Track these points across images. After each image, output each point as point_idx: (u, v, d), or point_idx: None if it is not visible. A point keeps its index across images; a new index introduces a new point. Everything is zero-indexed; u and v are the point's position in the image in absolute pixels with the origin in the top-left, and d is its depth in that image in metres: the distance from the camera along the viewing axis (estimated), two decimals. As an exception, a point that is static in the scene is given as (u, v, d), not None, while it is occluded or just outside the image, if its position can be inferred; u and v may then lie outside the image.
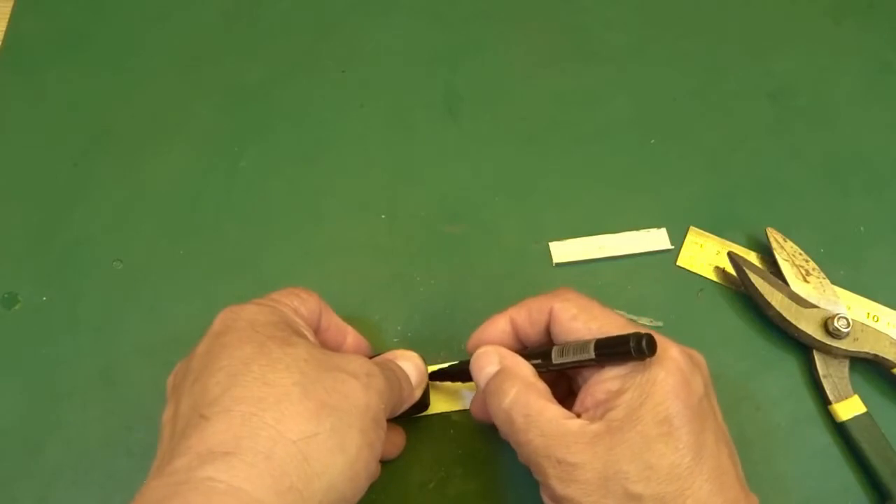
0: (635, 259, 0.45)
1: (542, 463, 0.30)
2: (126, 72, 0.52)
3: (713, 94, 0.51)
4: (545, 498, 0.31)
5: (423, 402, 0.39)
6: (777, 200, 0.47)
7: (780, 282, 0.43)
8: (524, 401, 0.32)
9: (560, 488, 0.29)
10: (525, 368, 0.33)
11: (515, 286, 0.44)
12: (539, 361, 0.34)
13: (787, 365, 0.43)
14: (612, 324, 0.32)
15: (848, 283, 0.44)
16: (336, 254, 0.45)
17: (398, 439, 0.39)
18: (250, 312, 0.32)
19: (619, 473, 0.29)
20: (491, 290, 0.44)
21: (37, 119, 0.50)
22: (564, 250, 0.45)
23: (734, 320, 0.44)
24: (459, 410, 0.41)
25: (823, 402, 0.41)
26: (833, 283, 0.43)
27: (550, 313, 0.34)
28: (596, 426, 0.30)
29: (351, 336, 0.38)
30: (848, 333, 0.41)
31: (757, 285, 0.42)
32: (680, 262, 0.45)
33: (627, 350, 0.29)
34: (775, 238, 0.44)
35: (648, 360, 0.30)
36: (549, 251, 0.45)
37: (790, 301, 0.42)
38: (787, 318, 0.41)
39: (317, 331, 0.36)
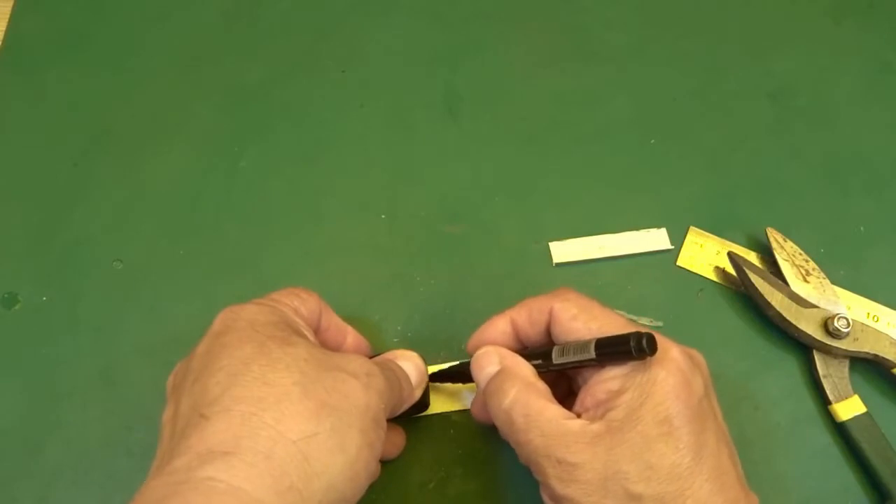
0: (635, 259, 0.45)
1: (542, 463, 0.30)
2: (126, 72, 0.52)
3: (713, 94, 0.51)
4: (545, 498, 0.31)
5: (423, 402, 0.39)
6: (777, 200, 0.47)
7: (780, 282, 0.43)
8: (524, 401, 0.32)
9: (560, 488, 0.29)
10: (525, 369, 0.33)
11: (515, 286, 0.44)
12: (539, 362, 0.34)
13: (787, 365, 0.43)
14: (612, 324, 0.32)
15: (848, 283, 0.44)
16: (336, 254, 0.45)
17: (398, 439, 0.39)
18: (250, 312, 0.32)
19: (620, 473, 0.29)
20: (491, 290, 0.44)
21: (37, 119, 0.50)
22: (564, 250, 0.45)
23: (734, 320, 0.44)
24: (459, 410, 0.41)
25: (823, 402, 0.41)
26: (833, 283, 0.43)
27: (550, 313, 0.34)
28: (596, 426, 0.30)
29: (351, 336, 0.38)
30: (848, 333, 0.41)
31: (757, 285, 0.42)
32: (680, 262, 0.45)
33: (628, 349, 0.29)
34: (775, 238, 0.44)
35: (649, 359, 0.30)
36: (549, 251, 0.45)
37: (790, 301, 0.42)
38: (787, 318, 0.41)
39: (317, 331, 0.36)
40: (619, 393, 0.30)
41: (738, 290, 0.44)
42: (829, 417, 0.41)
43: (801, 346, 0.42)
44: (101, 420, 0.41)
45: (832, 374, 0.41)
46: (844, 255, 0.45)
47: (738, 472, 0.31)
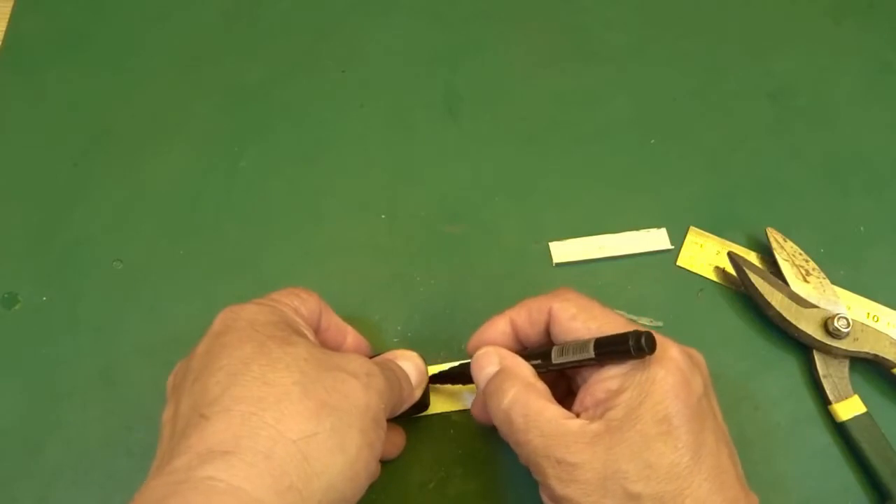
0: (635, 259, 0.45)
1: (541, 463, 0.30)
2: (126, 72, 0.52)
3: (713, 94, 0.51)
4: (544, 498, 0.31)
5: (423, 402, 0.39)
6: (777, 200, 0.47)
7: (780, 282, 0.43)
8: (523, 401, 0.32)
9: (559, 488, 0.29)
10: (524, 369, 0.33)
11: (515, 286, 0.44)
12: (539, 362, 0.34)
13: (787, 365, 0.43)
14: (611, 323, 0.32)
15: (848, 283, 0.44)
16: (336, 254, 0.45)
17: (398, 439, 0.39)
18: (250, 312, 0.32)
19: (619, 473, 0.29)
20: (491, 290, 0.44)
21: (37, 119, 0.50)
22: (564, 250, 0.45)
23: (734, 320, 0.44)
24: (459, 410, 0.41)
25: (823, 402, 0.41)
26: (833, 283, 0.43)
27: (550, 313, 0.34)
28: (595, 426, 0.30)
29: (351, 336, 0.38)
30: (848, 333, 0.41)
31: (757, 285, 0.42)
32: (680, 262, 0.45)
33: (627, 348, 0.29)
34: (775, 238, 0.44)
35: (648, 359, 0.30)
36: (549, 251, 0.45)
37: (790, 301, 0.42)
38: (787, 318, 0.41)
39: (317, 331, 0.36)
40: (618, 392, 0.30)
41: (738, 290, 0.44)
42: (829, 417, 0.41)
43: (801, 346, 0.42)
44: (101, 420, 0.41)
45: (832, 374, 0.41)
46: (844, 255, 0.45)
47: (737, 472, 0.31)
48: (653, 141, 0.49)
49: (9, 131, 0.49)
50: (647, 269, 0.45)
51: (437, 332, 0.43)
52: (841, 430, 0.40)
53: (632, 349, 0.29)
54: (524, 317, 0.35)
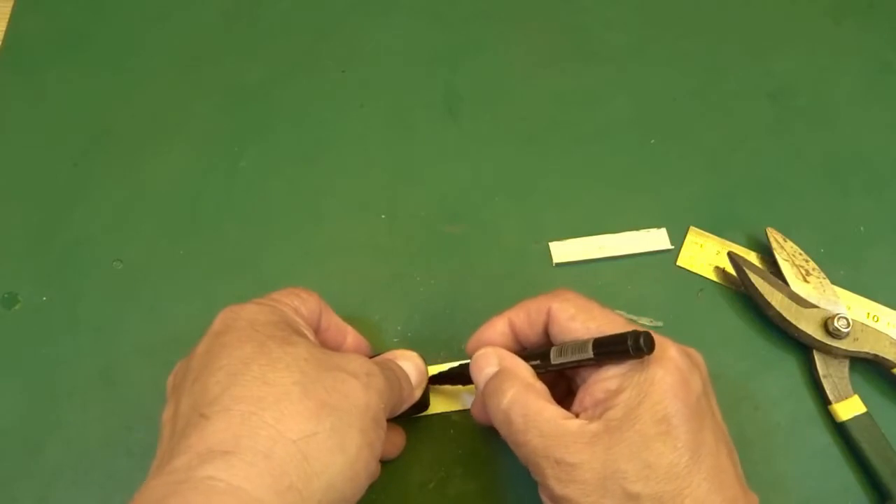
0: (635, 259, 0.45)
1: (540, 463, 0.30)
2: (126, 72, 0.52)
3: (713, 94, 0.51)
4: (544, 498, 0.31)
5: (423, 402, 0.39)
6: (777, 200, 0.47)
7: (780, 282, 0.43)
8: (522, 401, 0.32)
9: (559, 488, 0.29)
10: (524, 369, 0.33)
11: (515, 286, 0.44)
12: (538, 362, 0.34)
13: (787, 365, 0.43)
14: (610, 323, 0.32)
15: (848, 283, 0.44)
16: (336, 254, 0.45)
17: (398, 439, 0.39)
18: (250, 312, 0.32)
19: (618, 473, 0.29)
20: (491, 290, 0.44)
21: (37, 119, 0.50)
22: (564, 250, 0.45)
23: (734, 320, 0.44)
24: (459, 410, 0.41)
25: (823, 402, 0.41)
26: (833, 283, 0.43)
27: (548, 314, 0.34)
28: (594, 426, 0.30)
29: (351, 336, 0.38)
30: (848, 333, 0.41)
31: (757, 285, 0.42)
32: (680, 262, 0.45)
33: (625, 348, 0.29)
34: (775, 238, 0.44)
35: (647, 358, 0.30)
36: (549, 251, 0.45)
37: (790, 301, 0.42)
38: (787, 318, 0.41)
39: (317, 330, 0.36)
40: (617, 392, 0.30)
41: (738, 290, 0.44)
42: (829, 417, 0.41)
43: (801, 346, 0.42)
44: (101, 420, 0.41)
45: (832, 374, 0.41)
46: (844, 255, 0.45)
47: (736, 471, 0.31)
48: (653, 141, 0.49)
49: (9, 131, 0.50)
50: (647, 269, 0.45)
51: (437, 332, 0.43)
52: (841, 430, 0.40)
53: (630, 349, 0.29)
54: (523, 317, 0.35)
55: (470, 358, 0.36)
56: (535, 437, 0.30)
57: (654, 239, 0.46)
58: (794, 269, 0.43)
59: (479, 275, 0.45)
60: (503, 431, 0.32)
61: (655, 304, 0.44)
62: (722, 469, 0.30)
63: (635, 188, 0.48)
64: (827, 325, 0.41)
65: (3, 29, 0.53)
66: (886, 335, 0.41)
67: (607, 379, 0.31)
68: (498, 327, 0.35)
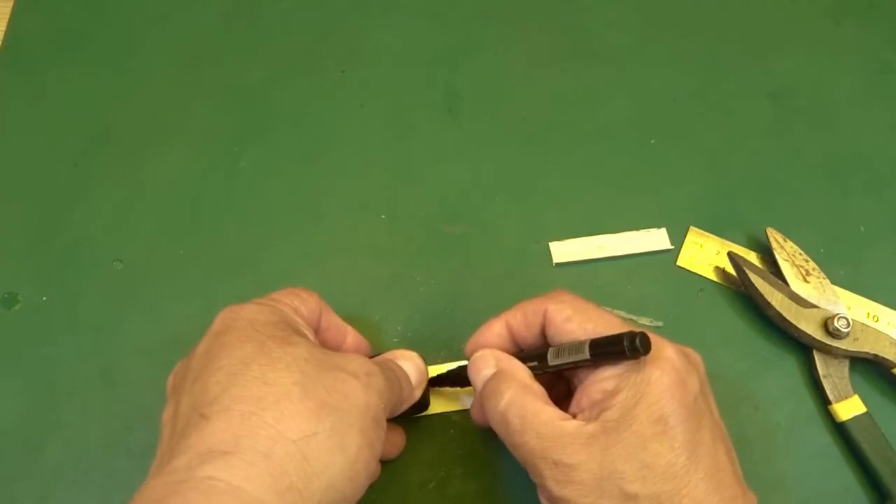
0: (635, 259, 0.45)
1: (538, 464, 0.30)
2: (126, 72, 0.52)
3: (713, 94, 0.51)
4: (542, 499, 0.31)
5: (423, 402, 0.39)
6: (777, 200, 0.47)
7: (780, 282, 0.43)
8: (520, 402, 0.32)
9: (557, 489, 0.29)
10: (521, 371, 0.33)
11: (515, 286, 0.44)
12: (535, 363, 0.34)
13: (787, 365, 0.43)
14: (607, 324, 0.32)
15: (848, 283, 0.44)
16: (336, 254, 0.45)
17: (398, 439, 0.39)
18: (250, 312, 0.32)
19: (615, 473, 0.29)
20: (491, 290, 0.44)
21: (37, 119, 0.50)
22: (564, 250, 0.45)
23: (734, 320, 0.44)
24: (459, 410, 0.41)
25: (823, 402, 0.41)
26: (833, 283, 0.43)
27: (545, 315, 0.34)
28: (591, 427, 0.30)
29: (351, 336, 0.38)
30: (848, 333, 0.41)
31: (757, 285, 0.42)
32: (680, 262, 0.45)
33: (621, 349, 0.29)
34: (775, 238, 0.44)
35: (643, 359, 0.30)
36: (549, 251, 0.45)
37: (790, 301, 0.42)
38: (787, 318, 0.41)
39: (317, 330, 0.36)
40: (613, 393, 0.30)
41: (738, 290, 0.44)
42: (829, 417, 0.41)
43: (801, 346, 0.42)
44: (101, 420, 0.41)
45: (832, 374, 0.41)
46: (844, 255, 0.45)
47: (735, 470, 0.31)
48: (653, 141, 0.49)
49: (9, 131, 0.50)
50: (647, 269, 0.45)
51: (437, 332, 0.43)
52: (841, 430, 0.40)
53: (626, 350, 0.29)
54: (520, 319, 0.35)
55: (468, 360, 0.36)
56: (533, 439, 0.30)
57: (654, 239, 0.46)
58: (794, 269, 0.43)
59: (479, 275, 0.45)
60: (501, 433, 0.32)
61: (655, 304, 0.44)
62: (720, 469, 0.30)
63: (635, 188, 0.48)
64: (827, 325, 0.41)
65: (3, 29, 0.53)
66: (886, 335, 0.41)
67: (604, 380, 0.31)
68: (495, 329, 0.35)
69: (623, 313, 0.43)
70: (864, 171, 0.48)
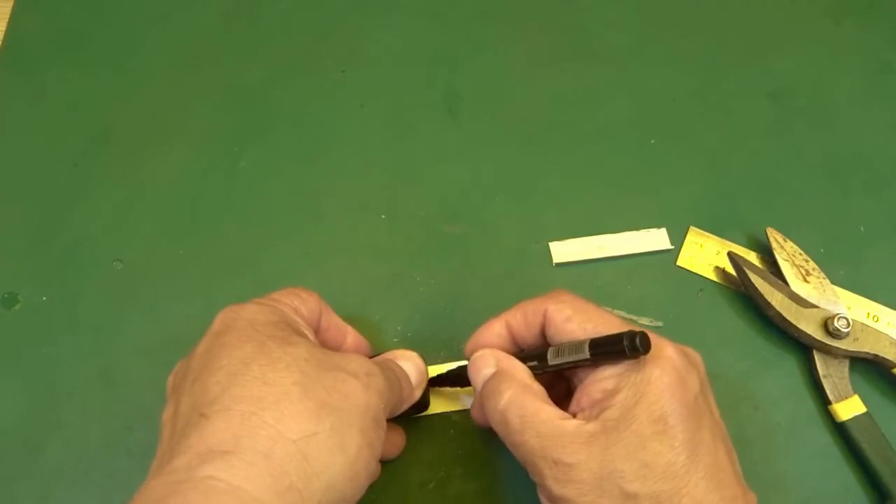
0: (635, 259, 0.45)
1: (538, 464, 0.30)
2: (126, 72, 0.52)
3: (713, 94, 0.51)
4: (542, 498, 0.31)
5: (423, 402, 0.39)
6: (777, 200, 0.47)
7: (780, 282, 0.43)
8: (520, 402, 0.32)
9: (556, 489, 0.29)
10: (521, 370, 0.33)
11: (515, 286, 0.44)
12: (535, 363, 0.34)
13: (787, 365, 0.43)
14: (606, 324, 0.32)
15: (848, 283, 0.44)
16: (336, 254, 0.45)
17: (398, 439, 0.39)
18: (250, 312, 0.32)
19: (615, 473, 0.29)
20: (491, 290, 0.44)
21: (37, 119, 0.50)
22: (564, 250, 0.45)
23: (734, 320, 0.44)
24: (459, 410, 0.41)
25: (823, 402, 0.41)
26: (833, 283, 0.43)
27: (545, 315, 0.34)
28: (591, 426, 0.30)
29: (351, 336, 0.38)
30: (848, 333, 0.41)
31: (757, 285, 0.42)
32: (680, 262, 0.45)
33: (621, 348, 0.29)
34: (775, 238, 0.44)
35: (643, 358, 0.30)
36: (549, 251, 0.45)
37: (790, 301, 0.42)
38: (787, 318, 0.41)
39: (317, 330, 0.36)
40: (613, 392, 0.30)
41: (738, 290, 0.44)
42: (829, 417, 0.41)
43: (801, 346, 0.42)
44: (101, 420, 0.41)
45: (832, 374, 0.41)
46: (844, 255, 0.45)
47: (735, 470, 0.31)
48: (653, 141, 0.49)
49: (9, 131, 0.50)
50: (647, 269, 0.45)
51: (437, 332, 0.43)
52: (841, 430, 0.40)
53: (626, 349, 0.29)
54: (519, 319, 0.35)
55: (468, 360, 0.36)
56: (533, 438, 0.30)
57: (654, 239, 0.46)
58: (794, 269, 0.43)
59: (479, 275, 0.45)
60: (501, 432, 0.32)
61: (655, 304, 0.44)
62: (720, 468, 0.30)
63: (635, 188, 0.48)
64: (827, 325, 0.41)
65: (3, 29, 0.54)
66: (886, 335, 0.41)
67: (604, 379, 0.31)
68: (495, 329, 0.35)
69: (623, 313, 0.43)
70: (864, 171, 0.48)
